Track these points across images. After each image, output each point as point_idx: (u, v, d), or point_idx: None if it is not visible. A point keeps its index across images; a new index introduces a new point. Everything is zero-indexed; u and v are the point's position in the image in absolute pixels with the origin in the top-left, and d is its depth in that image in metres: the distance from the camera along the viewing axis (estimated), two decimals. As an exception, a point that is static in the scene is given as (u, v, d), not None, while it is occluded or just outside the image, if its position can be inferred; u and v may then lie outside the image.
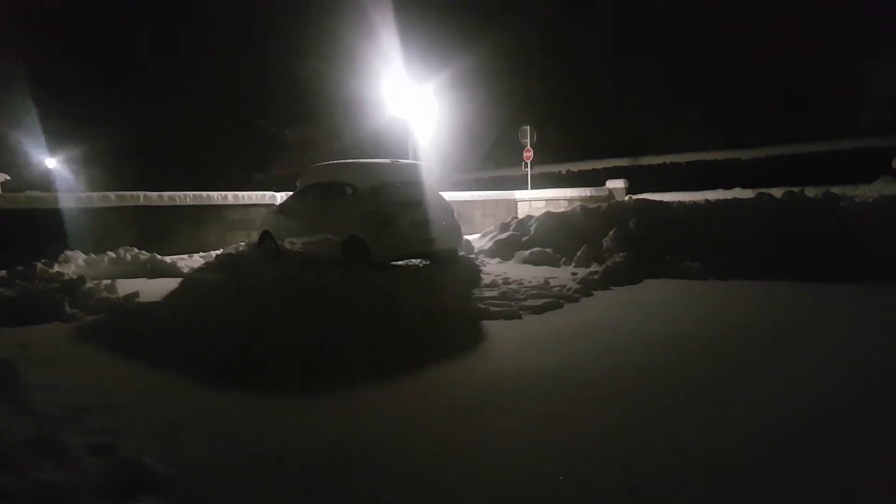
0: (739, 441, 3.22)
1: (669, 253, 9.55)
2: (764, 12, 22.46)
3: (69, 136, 31.35)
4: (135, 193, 11.32)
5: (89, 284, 7.38)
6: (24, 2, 29.25)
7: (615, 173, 20.08)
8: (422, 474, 2.94)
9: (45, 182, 29.60)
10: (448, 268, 9.62)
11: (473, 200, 17.63)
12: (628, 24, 25.31)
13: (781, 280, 8.28)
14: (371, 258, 9.06)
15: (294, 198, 11.03)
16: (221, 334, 5.84)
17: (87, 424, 3.51)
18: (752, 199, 11.20)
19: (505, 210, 18.11)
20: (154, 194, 11.48)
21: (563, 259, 10.51)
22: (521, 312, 6.60)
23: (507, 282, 8.42)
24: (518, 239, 11.69)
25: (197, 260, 10.63)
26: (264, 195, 13.05)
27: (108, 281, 7.76)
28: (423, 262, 10.24)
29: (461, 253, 10.84)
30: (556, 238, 11.21)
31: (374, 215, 9.16)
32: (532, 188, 19.35)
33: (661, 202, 11.63)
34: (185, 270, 9.76)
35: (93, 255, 9.56)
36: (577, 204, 13.81)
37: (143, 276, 9.38)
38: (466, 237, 11.65)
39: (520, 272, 9.48)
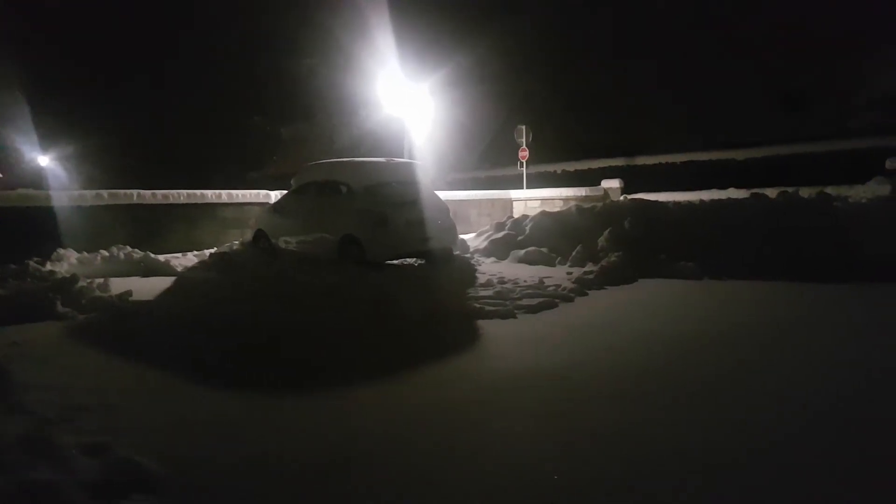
0: (739, 441, 3.22)
1: (664, 253, 9.56)
2: (760, 13, 22.54)
3: (62, 134, 31.20)
4: (128, 191, 11.25)
5: (82, 283, 7.33)
6: (18, 0, 29.09)
7: (610, 173, 20.10)
8: (422, 474, 2.93)
9: (37, 180, 29.46)
10: (443, 267, 9.60)
11: (469, 200, 17.61)
12: (625, 25, 25.36)
13: (775, 280, 8.30)
14: (366, 257, 9.04)
15: (289, 196, 10.99)
16: (216, 333, 5.82)
17: (81, 424, 3.48)
18: (746, 199, 11.23)
19: (500, 209, 18.11)
20: (147, 192, 11.41)
21: (559, 258, 10.51)
22: (516, 312, 6.59)
23: (502, 281, 8.41)
24: (513, 238, 11.68)
25: (191, 259, 10.57)
26: (259, 194, 13.00)
27: (101, 279, 7.72)
28: (419, 262, 10.22)
29: (456, 252, 10.82)
30: (551, 237, 11.21)
31: (370, 214, 9.14)
32: (528, 188, 19.35)
33: (656, 202, 11.65)
34: (179, 269, 9.71)
35: (86, 254, 9.49)
36: (572, 203, 13.81)
37: (137, 275, 9.32)
38: (462, 236, 11.64)
39: (515, 271, 9.48)
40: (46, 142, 32.11)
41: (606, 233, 10.40)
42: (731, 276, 8.68)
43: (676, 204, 11.51)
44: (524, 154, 19.78)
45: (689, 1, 24.05)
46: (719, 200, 11.52)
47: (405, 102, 20.05)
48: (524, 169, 19.95)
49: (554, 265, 10.33)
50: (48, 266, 8.44)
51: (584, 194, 17.34)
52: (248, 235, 11.55)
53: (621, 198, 15.05)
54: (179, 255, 10.76)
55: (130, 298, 7.19)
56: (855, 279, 7.97)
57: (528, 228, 11.85)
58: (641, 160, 23.58)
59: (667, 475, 2.86)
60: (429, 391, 4.18)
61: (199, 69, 31.05)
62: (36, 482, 2.69)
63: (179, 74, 31.40)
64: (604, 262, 9.19)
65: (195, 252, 11.15)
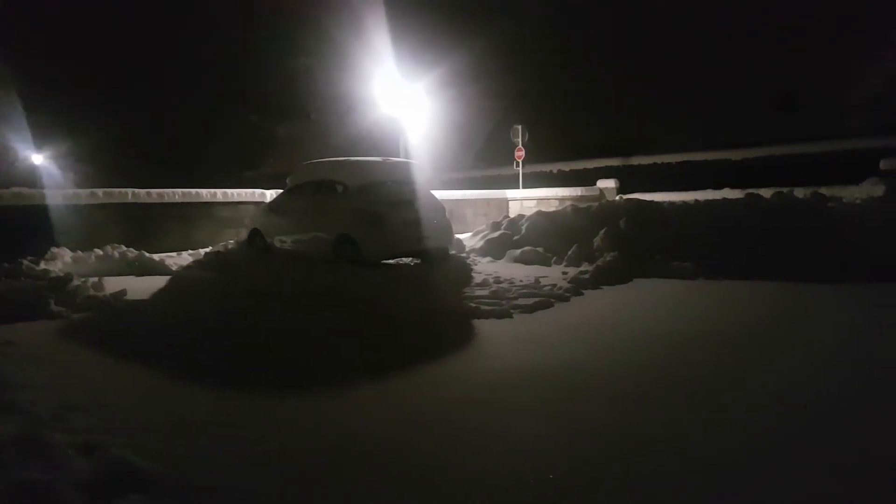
0: (739, 441, 3.22)
1: (659, 253, 9.58)
2: (756, 15, 22.60)
3: (57, 133, 31.06)
4: (123, 190, 11.21)
5: (76, 282, 7.30)
6: (12, -2, 28.95)
7: (606, 173, 20.14)
8: (423, 474, 2.92)
9: (31, 178, 29.30)
10: (439, 266, 9.60)
11: (465, 199, 17.61)
12: (622, 25, 25.39)
13: (770, 280, 8.32)
14: (362, 256, 9.03)
15: (284, 196, 10.97)
16: (211, 333, 5.81)
17: (75, 423, 3.46)
18: (741, 199, 11.26)
19: (496, 209, 18.12)
20: (142, 191, 11.37)
21: (554, 258, 10.52)
22: (512, 311, 6.59)
23: (498, 281, 8.41)
24: (509, 238, 11.69)
25: (185, 258, 10.55)
26: (254, 193, 12.97)
27: (96, 278, 7.69)
28: (414, 261, 10.21)
29: (452, 252, 10.82)
30: (547, 237, 11.22)
31: (365, 213, 9.13)
32: (523, 187, 19.37)
33: (651, 202, 11.67)
34: (174, 268, 9.69)
35: (80, 253, 9.46)
36: (568, 203, 13.82)
37: (131, 274, 9.29)
38: (458, 236, 11.64)
39: (511, 271, 9.48)
40: (41, 140, 31.99)
41: (602, 233, 10.41)
42: (725, 276, 8.70)
43: (672, 204, 11.53)
44: (520, 154, 19.79)
45: (686, 1, 24.10)
46: (714, 201, 11.55)
47: (401, 101, 20.05)
48: (520, 168, 19.96)
49: (550, 265, 10.34)
50: (42, 265, 8.41)
51: (579, 194, 17.35)
52: (244, 235, 11.52)
53: (617, 198, 15.07)
54: (174, 254, 10.74)
55: (125, 297, 7.16)
56: (849, 279, 7.99)
57: (523, 228, 11.85)
58: (637, 160, 23.61)
59: (667, 475, 2.85)
60: (427, 391, 4.17)
61: (196, 68, 30.99)
62: (30, 482, 2.67)
63: (175, 73, 31.34)
64: (599, 262, 9.20)
65: (190, 251, 11.12)
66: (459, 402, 3.91)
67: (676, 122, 23.37)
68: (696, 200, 11.82)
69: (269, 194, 12.70)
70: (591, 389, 4.08)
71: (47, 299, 6.62)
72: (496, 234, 12.09)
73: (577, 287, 7.96)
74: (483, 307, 6.66)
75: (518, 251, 10.95)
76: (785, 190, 11.35)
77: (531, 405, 3.82)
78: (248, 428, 3.55)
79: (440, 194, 12.13)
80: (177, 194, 11.79)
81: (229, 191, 12.65)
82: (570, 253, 10.35)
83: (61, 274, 7.69)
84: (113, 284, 7.64)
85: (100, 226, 10.61)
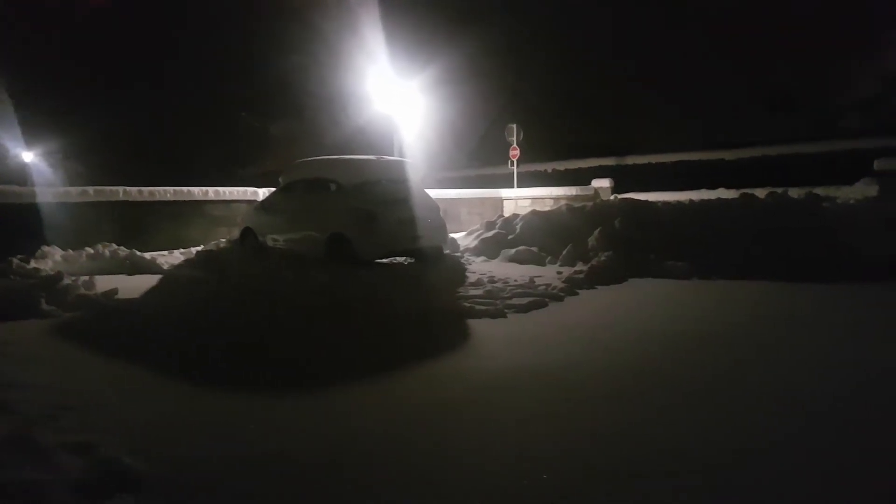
0: (739, 441, 3.20)
1: (654, 252, 9.57)
2: (750, 14, 22.66)
3: (47, 130, 30.84)
4: (114, 188, 11.12)
5: (67, 281, 7.23)
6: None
7: (601, 172, 20.15)
8: (422, 475, 2.89)
9: (21, 176, 29.09)
10: (433, 266, 9.57)
11: (459, 198, 17.58)
12: (617, 24, 25.42)
13: (764, 280, 8.33)
14: (355, 255, 8.99)
15: (277, 194, 10.92)
16: (203, 332, 5.77)
17: (65, 423, 3.42)
18: (735, 199, 11.28)
19: (491, 208, 18.10)
20: (134, 189, 11.29)
21: (549, 258, 10.50)
22: (506, 311, 6.56)
23: (492, 280, 8.38)
24: (504, 237, 11.66)
25: (177, 256, 10.48)
26: (246, 191, 12.90)
27: (87, 277, 7.62)
28: (408, 260, 10.18)
29: (446, 251, 10.79)
30: (541, 237, 11.20)
31: (359, 212, 9.08)
32: (518, 187, 19.34)
33: (646, 202, 11.67)
34: (166, 267, 9.62)
35: (70, 251, 9.38)
36: (562, 203, 13.82)
37: (123, 273, 9.22)
38: (452, 235, 11.60)
39: (505, 271, 9.46)
40: (31, 137, 31.76)
41: (597, 232, 10.40)
42: (720, 276, 8.70)
43: (666, 204, 11.54)
44: (515, 153, 19.76)
45: (681, 1, 24.15)
46: (709, 200, 11.57)
47: (395, 100, 19.98)
48: (515, 168, 19.92)
49: (544, 264, 10.32)
50: (32, 263, 8.32)
51: (574, 194, 17.37)
52: (236, 233, 11.46)
53: (612, 197, 15.09)
54: (166, 252, 10.66)
55: (116, 296, 7.10)
56: (843, 279, 8.01)
57: (518, 227, 11.83)
58: (632, 160, 23.64)
59: (667, 475, 2.83)
60: (425, 391, 4.14)
61: (188, 66, 30.82)
62: (20, 482, 2.64)
63: (167, 71, 31.15)
64: (594, 262, 9.19)
65: (182, 250, 11.05)
66: (457, 402, 3.88)
67: (671, 122, 23.41)
68: (691, 200, 11.83)
69: (262, 193, 12.64)
70: (588, 389, 4.06)
71: (38, 298, 6.55)
72: (491, 233, 12.07)
73: (572, 287, 7.94)
74: (477, 307, 6.63)
75: (513, 250, 10.93)
76: (779, 190, 11.38)
77: (528, 405, 3.79)
78: (244, 427, 3.51)
79: (434, 193, 12.10)
80: (168, 192, 11.71)
81: (221, 189, 12.57)
82: (564, 252, 10.34)
83: (52, 272, 7.61)
84: (104, 283, 7.57)
85: (91, 224, 10.52)
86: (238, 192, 12.81)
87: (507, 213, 16.53)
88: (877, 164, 11.86)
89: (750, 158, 20.43)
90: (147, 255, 9.89)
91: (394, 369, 4.66)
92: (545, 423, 3.49)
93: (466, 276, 8.83)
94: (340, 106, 28.95)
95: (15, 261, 8.00)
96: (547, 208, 13.28)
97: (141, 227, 11.15)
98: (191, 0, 31.36)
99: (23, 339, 5.43)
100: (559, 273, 9.10)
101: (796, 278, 8.19)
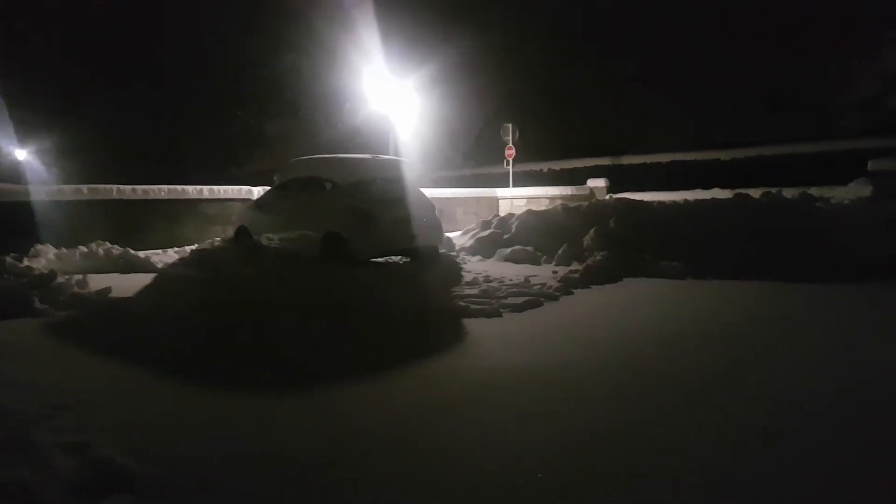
0: (738, 441, 3.20)
1: (649, 252, 9.58)
2: (745, 15, 22.73)
3: (41, 128, 30.69)
4: (108, 186, 11.06)
5: (60, 279, 7.19)
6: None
7: (596, 172, 20.17)
8: (422, 474, 2.89)
9: (15, 174, 28.92)
10: (429, 265, 9.56)
11: (455, 198, 17.57)
12: (612, 24, 25.45)
13: (758, 280, 8.35)
14: (351, 255, 8.97)
15: (271, 193, 10.89)
16: (197, 331, 5.74)
17: (60, 423, 3.40)
18: (730, 199, 11.31)
19: (486, 208, 18.09)
20: (128, 188, 11.23)
21: (544, 257, 10.51)
22: (501, 310, 6.56)
23: (488, 280, 8.38)
24: (499, 237, 11.66)
25: (171, 255, 10.44)
26: (241, 189, 12.85)
27: (80, 276, 7.58)
28: (403, 259, 10.16)
29: (442, 250, 10.79)
30: (537, 236, 11.20)
31: (354, 211, 9.06)
32: (514, 186, 19.36)
33: (641, 202, 11.69)
34: (160, 266, 9.57)
35: (64, 250, 9.33)
36: (558, 202, 13.83)
37: (116, 272, 9.18)
38: (448, 234, 11.60)
39: (501, 270, 9.45)
40: (24, 135, 31.60)
41: (592, 232, 10.41)
42: (714, 276, 8.72)
43: (661, 204, 11.55)
44: (510, 152, 19.78)
45: (676, 1, 24.19)
46: (703, 200, 11.59)
47: (390, 99, 19.97)
48: (510, 167, 19.95)
49: (539, 264, 10.33)
50: (25, 262, 8.28)
51: (570, 193, 17.37)
52: (230, 232, 11.42)
53: (607, 197, 15.10)
54: (160, 251, 10.62)
55: (110, 295, 7.06)
56: (837, 279, 8.03)
57: (514, 227, 11.83)
58: (627, 160, 23.68)
59: (666, 475, 2.83)
60: (422, 390, 4.13)
61: (182, 64, 30.71)
62: (14, 482, 2.63)
63: (162, 70, 31.03)
64: (589, 262, 9.19)
65: (176, 248, 11.01)
66: (455, 402, 3.87)
67: (667, 122, 23.45)
68: (686, 200, 11.85)
69: (257, 191, 12.60)
70: (586, 388, 4.06)
71: (31, 297, 6.51)
72: (486, 232, 12.06)
73: (567, 286, 7.94)
74: (473, 306, 6.62)
75: (508, 250, 10.93)
76: (774, 190, 11.41)
77: (526, 404, 3.79)
78: (241, 427, 3.50)
79: (430, 192, 12.10)
80: (163, 191, 11.66)
81: (216, 187, 12.52)
82: (560, 252, 10.34)
83: (45, 271, 7.57)
84: (98, 282, 7.53)
85: (84, 222, 10.46)
86: (233, 190, 12.76)
87: (502, 213, 16.53)
88: (871, 165, 11.91)
89: (745, 158, 20.49)
90: (141, 254, 9.85)
91: (391, 368, 4.65)
92: (544, 422, 3.49)
93: (462, 276, 8.83)
94: (336, 105, 28.93)
95: (8, 259, 7.96)
96: (542, 208, 13.29)
97: (135, 225, 11.10)
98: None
99: (16, 338, 5.39)
100: (555, 272, 9.10)
101: (790, 278, 8.21)
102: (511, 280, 8.28)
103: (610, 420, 3.51)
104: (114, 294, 7.12)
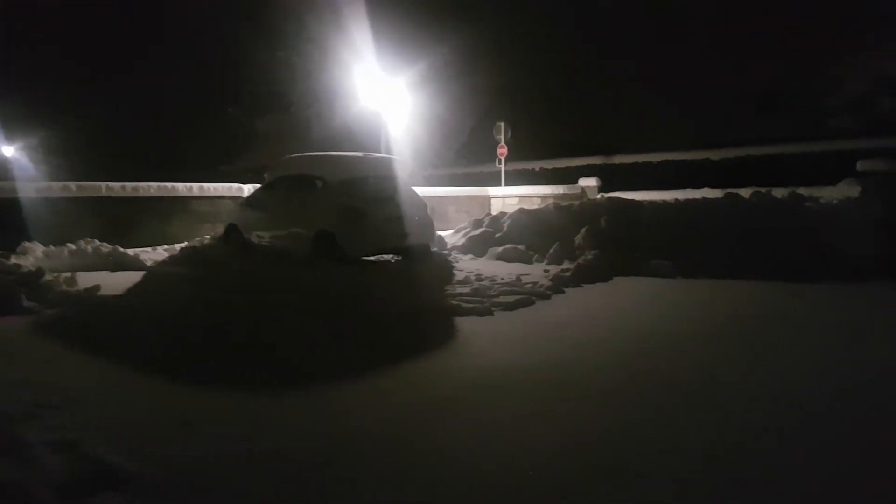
0: (736, 440, 3.21)
1: (640, 251, 9.61)
2: (736, 16, 22.82)
3: (28, 124, 30.40)
4: (96, 184, 10.98)
5: (48, 277, 7.14)
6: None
7: (588, 171, 20.18)
8: (421, 473, 2.88)
9: (2, 170, 28.65)
10: (420, 263, 9.55)
11: (447, 196, 17.55)
12: (604, 24, 25.49)
13: (748, 279, 8.40)
14: (341, 253, 8.94)
15: (262, 190, 10.84)
16: (187, 329, 5.71)
17: (47, 421, 3.36)
18: (720, 198, 11.35)
19: (478, 206, 18.08)
20: (117, 185, 11.15)
21: (536, 256, 10.52)
22: (493, 309, 6.56)
23: (479, 278, 8.38)
24: (491, 235, 11.66)
25: (161, 253, 10.38)
26: (231, 187, 12.78)
27: (69, 274, 7.52)
28: (395, 258, 10.15)
29: (434, 249, 10.77)
30: (528, 235, 11.21)
31: (346, 209, 9.03)
32: (506, 185, 19.36)
33: (632, 201, 11.72)
34: (149, 264, 9.52)
35: (52, 247, 9.25)
36: (550, 201, 13.83)
37: (105, 269, 9.11)
38: (439, 233, 11.59)
39: (493, 269, 9.46)
40: (11, 131, 31.29)
41: (583, 231, 10.43)
42: (705, 275, 8.76)
43: (652, 203, 11.59)
44: (502, 151, 19.78)
45: (668, 1, 24.26)
46: (694, 200, 11.62)
47: (382, 96, 19.91)
48: (502, 166, 19.94)
49: (531, 263, 10.34)
50: (13, 259, 8.21)
51: (561, 192, 17.39)
52: (220, 230, 11.36)
53: (598, 196, 15.12)
54: (149, 249, 10.56)
55: (98, 293, 7.01)
56: (827, 279, 8.10)
57: (505, 226, 11.83)
58: (618, 159, 23.73)
59: (666, 474, 2.84)
60: (417, 389, 4.12)
61: (172, 61, 30.50)
62: (2, 481, 2.60)
63: (151, 65, 30.80)
64: (580, 261, 9.21)
65: (166, 246, 10.94)
66: (450, 401, 3.87)
67: (658, 122, 23.51)
68: (676, 199, 11.89)
69: (247, 189, 12.54)
70: (581, 387, 4.07)
71: (19, 294, 6.45)
72: (478, 231, 12.06)
73: (559, 285, 7.96)
74: (465, 305, 6.62)
75: (500, 249, 10.93)
76: (763, 190, 11.46)
77: (521, 403, 3.79)
78: (230, 425, 3.49)
79: (422, 191, 12.07)
80: (152, 188, 11.59)
81: (206, 185, 12.45)
82: (551, 251, 10.36)
83: (33, 269, 7.50)
84: (86, 280, 7.47)
85: (73, 220, 10.38)
86: (223, 188, 12.69)
87: (494, 211, 16.52)
88: (860, 165, 11.98)
89: (735, 158, 20.58)
90: (130, 252, 9.78)
91: (385, 367, 4.65)
92: (540, 421, 3.49)
93: (454, 274, 8.82)
94: (327, 102, 28.81)
95: (-5, 256, 7.88)
96: (534, 206, 13.29)
97: (124, 223, 11.02)
98: (175, -6, 31.04)
99: (3, 336, 5.35)
100: (546, 271, 9.11)
101: (781, 278, 8.26)
102: (503, 279, 8.29)
103: (607, 419, 3.51)
104: (103, 292, 7.07)
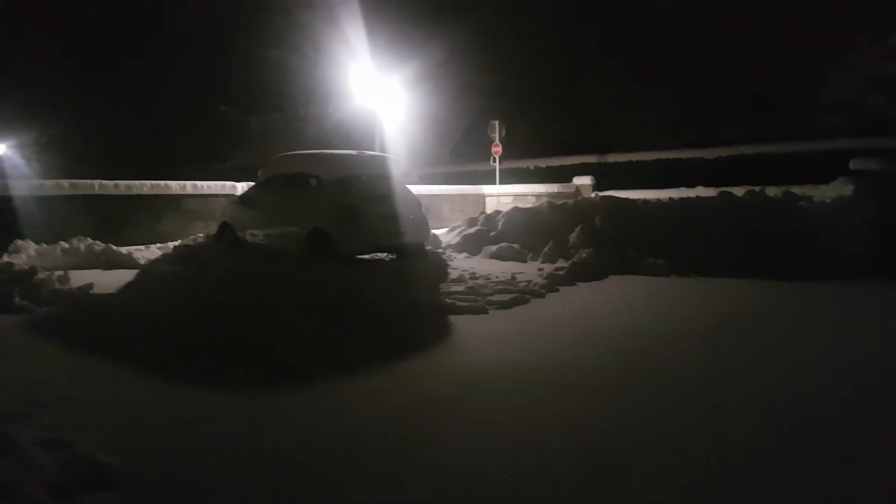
0: (735, 440, 3.20)
1: (634, 250, 9.63)
2: (730, 15, 22.90)
3: (21, 122, 30.22)
4: (89, 182, 10.92)
5: (41, 275, 7.09)
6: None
7: (582, 170, 20.24)
8: (421, 473, 2.88)
9: (-6, 168, 28.48)
10: (415, 262, 9.53)
11: (441, 194, 17.55)
12: (598, 24, 25.53)
13: (742, 278, 8.42)
14: (336, 251, 8.92)
15: (256, 188, 10.80)
16: (180, 328, 5.68)
17: (40, 419, 3.34)
18: (714, 197, 11.39)
19: (473, 205, 18.08)
20: (110, 183, 11.10)
21: (530, 254, 10.52)
22: (488, 307, 6.58)
23: (474, 277, 8.38)
24: (486, 234, 11.66)
25: (154, 251, 10.33)
26: (225, 185, 12.74)
27: (61, 272, 7.47)
28: (389, 256, 10.13)
29: (428, 247, 10.76)
30: (523, 233, 11.22)
31: (340, 208, 9.01)
32: (500, 183, 19.37)
33: (626, 199, 11.75)
34: (142, 262, 9.47)
35: (45, 246, 9.20)
36: (544, 200, 13.86)
37: (98, 268, 9.07)
38: (434, 231, 11.58)
39: (487, 267, 9.46)
40: (3, 129, 31.11)
41: (578, 229, 10.44)
42: (699, 274, 8.79)
43: (646, 202, 11.62)
44: (497, 149, 19.79)
45: (661, 1, 24.32)
46: (688, 199, 11.66)
47: (377, 94, 19.86)
48: (497, 164, 19.95)
49: (526, 261, 10.34)
50: (5, 258, 8.17)
51: (556, 191, 17.42)
52: (214, 228, 11.32)
53: (593, 195, 15.15)
54: (142, 247, 10.51)
55: (91, 292, 6.98)
56: (819, 277, 8.15)
57: (500, 224, 11.84)
58: (613, 157, 23.77)
59: (666, 473, 2.84)
60: (413, 388, 4.12)
61: (166, 58, 30.38)
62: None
63: (145, 63, 30.66)
64: (575, 259, 9.23)
65: (159, 245, 10.90)
66: (448, 400, 3.86)
67: (652, 121, 23.56)
68: (671, 198, 11.92)
69: (241, 187, 12.50)
70: (578, 385, 4.08)
71: (11, 293, 6.41)
72: (472, 229, 12.06)
73: (553, 283, 7.96)
74: (459, 303, 6.63)
75: (494, 247, 10.93)
76: (757, 188, 11.51)
77: (518, 402, 3.80)
78: (214, 424, 3.48)
79: (416, 189, 12.07)
80: (145, 186, 11.54)
81: (199, 183, 12.40)
82: (546, 249, 10.37)
83: (25, 267, 7.45)
84: (79, 278, 7.43)
85: (66, 218, 10.31)
86: (216, 186, 12.64)
87: (489, 210, 16.53)
88: (853, 164, 12.06)
89: (728, 157, 20.65)
90: (123, 250, 9.74)
91: (382, 366, 4.65)
92: (537, 420, 3.49)
93: (448, 273, 8.82)
94: (321, 100, 28.75)
95: (-13, 255, 7.83)
96: (529, 205, 13.31)
97: (117, 221, 10.97)
98: (169, -8, 30.90)
99: (-5, 335, 5.31)
100: (540, 270, 9.12)
101: (774, 276, 8.30)
102: (497, 277, 8.29)
103: (605, 418, 3.52)
104: (95, 290, 7.04)
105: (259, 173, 10.91)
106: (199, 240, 11.01)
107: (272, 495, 2.68)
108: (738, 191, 11.41)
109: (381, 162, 10.38)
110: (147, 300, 6.89)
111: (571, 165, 22.94)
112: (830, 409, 3.65)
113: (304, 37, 27.91)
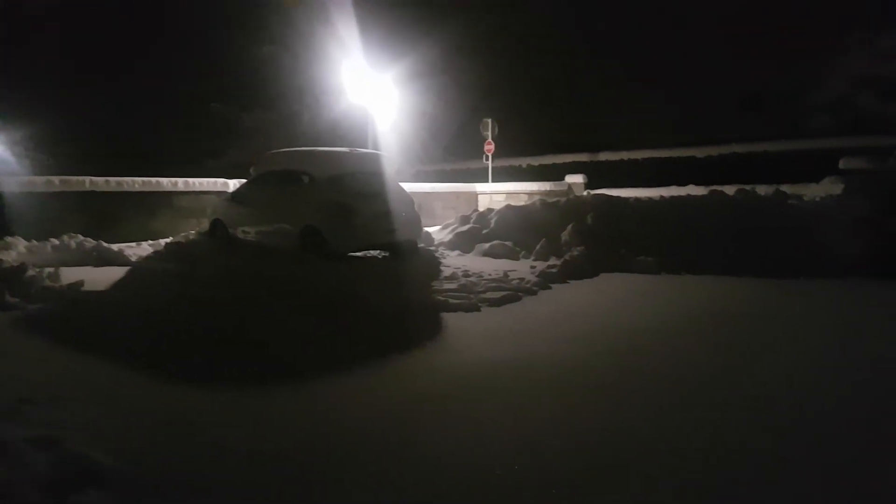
0: (735, 439, 3.22)
1: (625, 248, 9.68)
2: (721, 15, 23.00)
3: (11, 118, 29.99)
4: (80, 178, 10.85)
5: (31, 272, 7.05)
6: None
7: (574, 168, 20.28)
8: (420, 472, 2.89)
9: (-17, 165, 28.24)
10: (407, 260, 9.54)
11: (434, 192, 17.53)
12: (591, 22, 25.59)
13: (731, 276, 8.47)
14: (328, 249, 8.91)
15: (248, 185, 10.77)
16: (171, 325, 5.66)
17: (30, 417, 3.33)
18: (705, 196, 11.44)
19: (465, 202, 18.08)
20: (101, 179, 11.03)
21: (523, 252, 10.54)
22: (480, 305, 6.59)
23: (466, 274, 8.39)
24: (478, 232, 11.67)
25: (145, 248, 10.28)
26: (216, 182, 12.69)
27: (52, 269, 7.44)
28: (382, 254, 10.13)
29: (421, 245, 10.77)
30: (515, 231, 11.24)
31: (332, 205, 9.00)
32: (493, 181, 19.38)
33: (618, 198, 11.78)
34: (133, 259, 9.43)
35: (35, 242, 9.14)
36: (536, 198, 13.88)
37: (89, 265, 9.01)
38: (426, 229, 11.58)
39: (479, 265, 9.47)
40: (-7, 125, 30.86)
41: (570, 227, 10.47)
42: (689, 272, 8.85)
43: (637, 200, 11.67)
44: (490, 147, 19.79)
45: (655, 2, 24.42)
46: (679, 197, 11.70)
47: (369, 92, 19.82)
48: (489, 162, 19.96)
49: (518, 259, 10.36)
50: (-6, 254, 8.10)
51: (548, 189, 17.45)
52: (205, 225, 11.28)
53: (585, 193, 15.19)
54: (134, 244, 10.46)
55: (82, 289, 6.95)
56: (808, 275, 8.21)
57: (492, 222, 11.85)
58: (605, 156, 23.85)
59: (665, 472, 2.86)
60: (408, 386, 4.13)
61: (158, 55, 30.21)
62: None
63: (137, 60, 30.48)
64: (566, 257, 9.26)
65: (150, 241, 10.84)
66: (443, 398, 3.87)
67: (644, 120, 23.66)
68: (661, 197, 11.97)
69: (232, 184, 12.46)
70: (572, 383, 4.10)
71: (1, 290, 6.37)
72: (465, 227, 12.07)
73: (545, 281, 7.99)
74: (452, 301, 6.64)
75: (487, 245, 10.95)
76: (748, 187, 11.57)
77: (512, 400, 3.82)
78: (206, 422, 3.47)
79: (409, 187, 12.05)
80: (136, 183, 11.48)
81: (191, 180, 12.35)
82: (538, 247, 10.39)
83: (15, 264, 7.41)
84: (70, 275, 7.40)
85: (56, 214, 10.25)
86: (208, 183, 12.60)
87: (481, 208, 16.51)
88: (842, 163, 12.13)
89: (719, 156, 20.77)
90: (114, 247, 9.69)
91: (376, 364, 4.65)
92: (534, 418, 3.50)
93: (441, 270, 8.83)
94: (314, 97, 28.67)
95: (-24, 252, 7.78)
96: (521, 203, 13.33)
97: (108, 218, 10.91)
98: (161, -12, 30.71)
99: (-15, 332, 5.28)
100: (533, 267, 9.15)
101: (764, 274, 8.36)
102: (490, 275, 8.31)
103: (600, 416, 3.54)
104: (86, 287, 7.01)
105: (251, 170, 10.88)
106: (191, 237, 10.97)
107: (270, 495, 2.69)
108: (729, 189, 11.47)
109: (374, 159, 10.37)
110: (138, 297, 6.86)
111: (564, 164, 23.02)
112: (829, 408, 3.66)
113: (297, 34, 27.83)
